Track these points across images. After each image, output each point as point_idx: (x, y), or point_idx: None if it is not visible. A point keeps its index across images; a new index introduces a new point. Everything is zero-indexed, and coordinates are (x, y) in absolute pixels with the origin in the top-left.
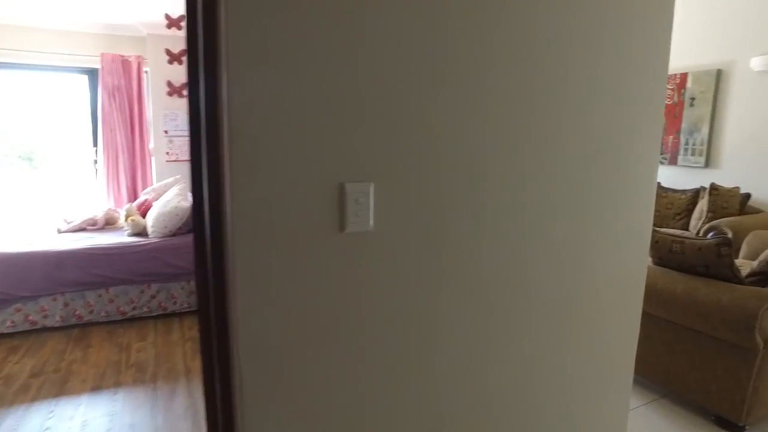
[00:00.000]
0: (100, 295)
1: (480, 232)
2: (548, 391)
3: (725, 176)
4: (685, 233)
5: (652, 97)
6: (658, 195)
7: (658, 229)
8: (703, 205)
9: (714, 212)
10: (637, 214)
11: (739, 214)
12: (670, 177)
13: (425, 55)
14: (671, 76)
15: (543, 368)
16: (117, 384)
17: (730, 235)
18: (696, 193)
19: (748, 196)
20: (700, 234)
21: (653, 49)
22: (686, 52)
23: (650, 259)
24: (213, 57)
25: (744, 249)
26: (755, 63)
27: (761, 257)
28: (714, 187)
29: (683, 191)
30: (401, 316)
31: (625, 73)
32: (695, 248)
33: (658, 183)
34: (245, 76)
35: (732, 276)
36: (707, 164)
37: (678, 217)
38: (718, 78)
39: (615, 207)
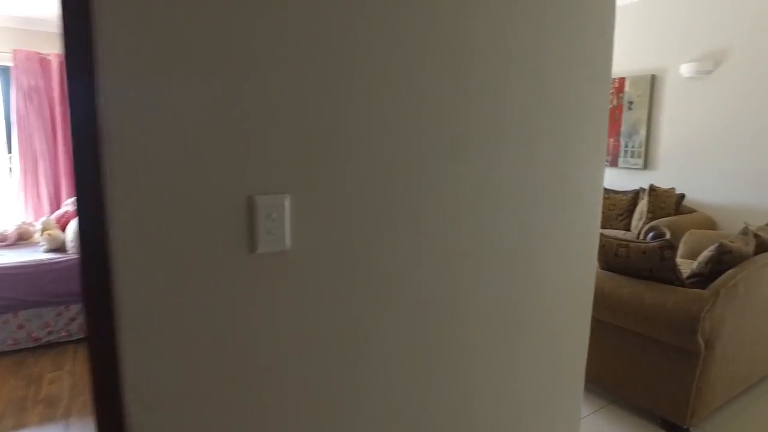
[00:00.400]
0: (6, 321)
1: (416, 246)
2: (497, 408)
3: (662, 177)
4: (627, 234)
5: (596, 101)
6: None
7: (603, 232)
8: (643, 205)
9: (653, 212)
10: (584, 220)
11: (676, 214)
12: (612, 178)
13: (346, 49)
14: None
15: (490, 385)
16: (20, 425)
17: (668, 235)
18: (636, 194)
19: (682, 196)
20: (641, 234)
21: (596, 53)
22: (624, 57)
23: (597, 263)
24: (88, 53)
25: (681, 248)
26: (684, 69)
27: (700, 258)
28: (653, 188)
29: (624, 192)
30: (325, 348)
31: (569, 77)
32: (640, 251)
33: None
34: (124, 75)
35: (675, 278)
36: (645, 166)
37: (620, 218)
38: (653, 83)
39: (561, 214)
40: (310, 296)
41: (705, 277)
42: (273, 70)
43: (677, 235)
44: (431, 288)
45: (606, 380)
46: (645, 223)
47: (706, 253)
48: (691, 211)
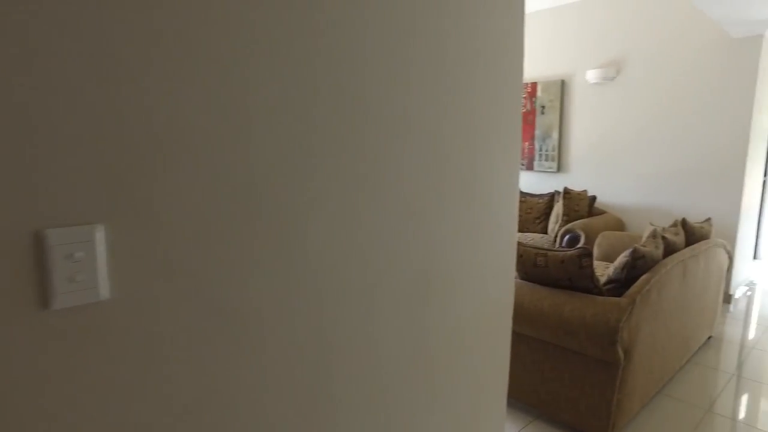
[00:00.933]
0: None
1: (298, 278)
2: None
3: (575, 180)
4: (544, 237)
5: (508, 106)
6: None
7: (522, 241)
8: (558, 208)
9: (568, 215)
10: (500, 231)
11: (589, 216)
12: (529, 182)
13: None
14: (524, 84)
15: (405, 423)
16: None
17: (583, 237)
18: (552, 197)
19: (594, 198)
20: (558, 237)
21: (506, 57)
22: (536, 62)
23: (516, 274)
24: None
25: (596, 250)
26: (590, 75)
27: (616, 264)
28: (567, 191)
29: (540, 195)
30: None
31: (478, 81)
32: (558, 260)
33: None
34: None
35: (593, 286)
36: (559, 169)
37: (537, 221)
38: (563, 88)
39: (474, 225)
40: (141, 367)
41: (621, 283)
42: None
43: (591, 237)
44: (319, 326)
45: (529, 396)
46: (561, 226)
47: (621, 259)
48: (602, 212)
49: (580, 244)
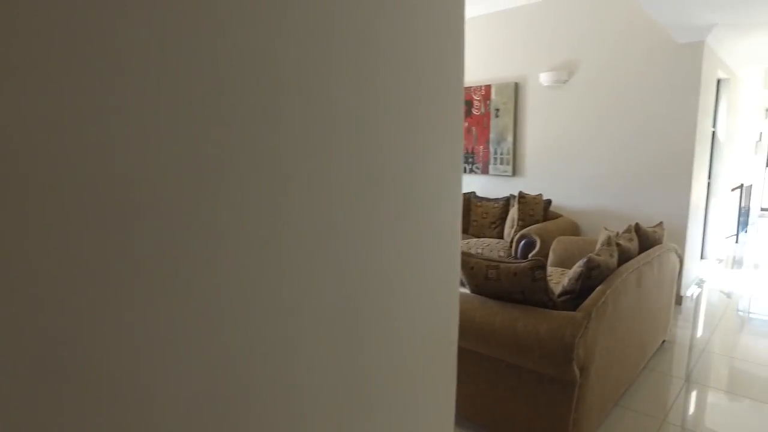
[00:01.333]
0: None
1: (208, 315)
2: None
3: (530, 184)
4: (500, 243)
5: (448, 110)
6: (474, 204)
7: (473, 254)
8: (514, 213)
9: (523, 220)
10: (442, 243)
11: (544, 220)
12: (485, 186)
13: None
14: (477, 87)
15: None
16: None
17: (538, 243)
18: (507, 201)
19: (549, 202)
20: (514, 242)
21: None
22: (490, 64)
23: (468, 288)
24: None
25: (551, 256)
26: (543, 78)
27: (570, 274)
28: (522, 196)
29: (496, 200)
30: None
31: (411, 82)
32: (510, 273)
33: (473, 192)
34: None
35: (547, 300)
36: (514, 173)
37: (493, 226)
38: (516, 91)
39: (413, 240)
40: None
41: (576, 294)
42: None
43: (547, 242)
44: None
45: (483, 417)
46: (516, 231)
47: (576, 269)
48: (557, 215)
49: (536, 250)
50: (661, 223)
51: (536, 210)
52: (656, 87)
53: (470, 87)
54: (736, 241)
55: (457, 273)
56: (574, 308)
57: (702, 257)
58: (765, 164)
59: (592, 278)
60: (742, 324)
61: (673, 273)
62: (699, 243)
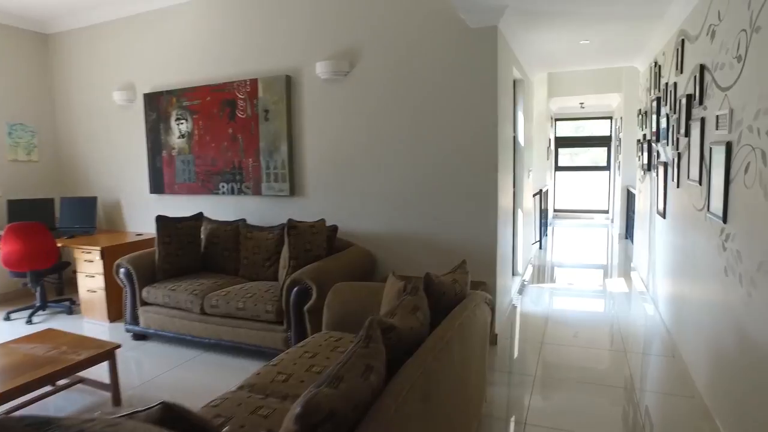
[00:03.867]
0: None
1: None
2: None
3: (312, 206)
4: (272, 287)
5: None
6: (243, 237)
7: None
8: (285, 249)
9: (297, 258)
10: None
11: (329, 253)
12: (258, 210)
13: None
14: (241, 82)
15: None
16: None
17: (315, 292)
18: (283, 230)
19: (334, 229)
20: (284, 288)
21: None
22: (254, 54)
23: None
24: None
25: (326, 314)
26: (320, 69)
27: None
28: (292, 226)
29: (271, 228)
30: None
31: None
32: None
33: (243, 220)
34: None
35: None
36: (293, 192)
37: (268, 264)
38: (289, 85)
39: None
40: None
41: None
42: None
43: (326, 286)
44: None
45: None
46: (288, 273)
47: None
48: (348, 245)
49: (311, 301)
50: (463, 263)
51: (315, 242)
52: (452, 81)
53: (232, 82)
54: (540, 247)
55: None
56: None
57: (514, 273)
58: (554, 168)
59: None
60: (559, 382)
61: (485, 327)
62: (509, 260)
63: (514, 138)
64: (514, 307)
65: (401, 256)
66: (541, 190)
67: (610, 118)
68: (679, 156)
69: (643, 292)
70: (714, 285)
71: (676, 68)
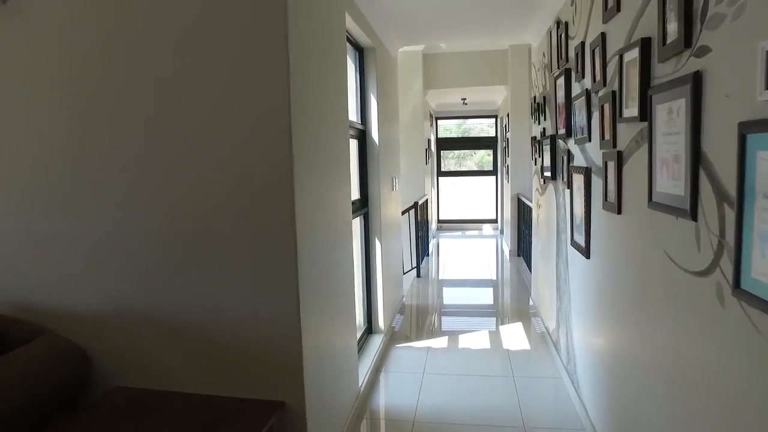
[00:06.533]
0: None
1: None
2: None
3: None
4: None
5: None
6: None
7: None
8: None
9: None
10: None
11: None
12: None
13: None
14: None
15: None
16: None
17: None
18: None
19: None
20: None
21: None
22: None
23: None
24: None
25: None
26: None
27: None
28: None
29: None
30: None
31: None
32: None
33: None
34: None
35: None
36: None
37: None
38: None
39: None
40: None
41: None
42: None
43: None
44: None
45: None
46: None
47: None
48: (37, 333)
49: None
50: None
51: None
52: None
53: None
54: (418, 275)
55: None
56: None
57: (372, 331)
58: (436, 173)
59: None
60: None
61: None
62: (364, 316)
63: (364, 134)
64: (362, 410)
65: (137, 354)
66: (417, 203)
67: (495, 116)
68: (620, 158)
69: (552, 354)
70: None
71: (604, 7)
